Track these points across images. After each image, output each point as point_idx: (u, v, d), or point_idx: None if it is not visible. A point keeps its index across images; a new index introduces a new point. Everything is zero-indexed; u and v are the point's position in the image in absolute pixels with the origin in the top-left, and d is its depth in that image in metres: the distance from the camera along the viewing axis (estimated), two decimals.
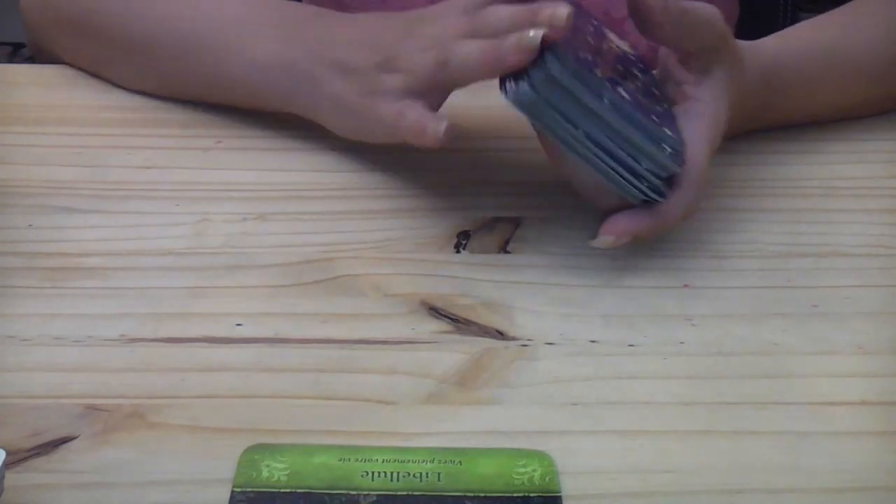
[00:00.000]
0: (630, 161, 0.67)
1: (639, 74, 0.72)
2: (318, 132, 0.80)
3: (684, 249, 0.72)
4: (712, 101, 0.72)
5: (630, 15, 0.71)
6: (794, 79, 0.79)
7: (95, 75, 0.87)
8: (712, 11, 0.72)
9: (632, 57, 0.73)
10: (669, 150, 0.68)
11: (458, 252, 0.71)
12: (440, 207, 0.75)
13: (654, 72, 0.74)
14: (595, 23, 0.73)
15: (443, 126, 0.68)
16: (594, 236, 0.69)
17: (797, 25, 0.84)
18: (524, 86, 0.65)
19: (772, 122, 0.82)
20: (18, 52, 2.41)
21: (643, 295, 0.68)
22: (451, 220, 0.74)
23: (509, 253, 0.71)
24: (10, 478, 0.54)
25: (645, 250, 0.71)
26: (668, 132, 0.68)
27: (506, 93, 0.66)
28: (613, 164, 0.67)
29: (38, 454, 0.56)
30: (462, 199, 0.76)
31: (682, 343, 0.65)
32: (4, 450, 0.51)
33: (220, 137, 0.81)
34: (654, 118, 0.68)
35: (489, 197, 0.76)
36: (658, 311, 0.67)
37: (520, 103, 0.66)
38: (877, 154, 0.82)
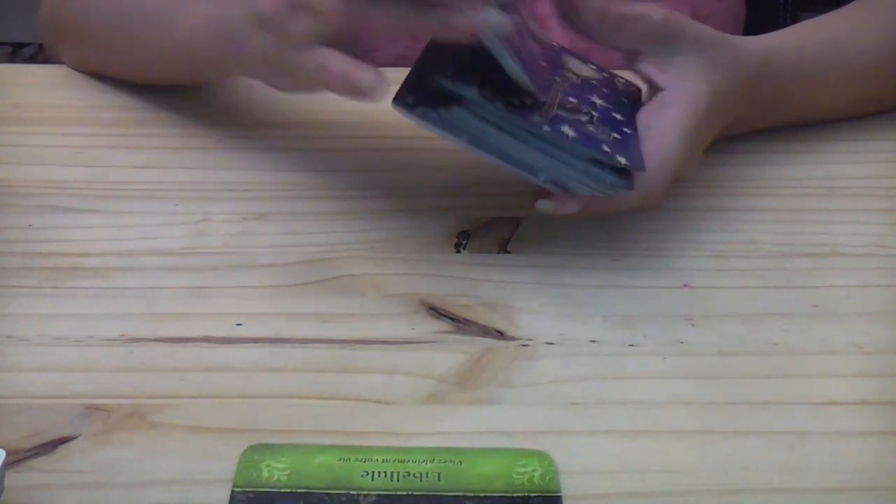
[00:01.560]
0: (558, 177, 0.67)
1: (598, 101, 0.71)
2: (319, 132, 0.80)
3: (684, 249, 0.72)
4: (683, 88, 0.71)
5: (559, 16, 0.71)
6: (795, 75, 0.79)
7: (97, 76, 0.87)
8: (647, 6, 0.72)
9: (594, 82, 0.73)
10: (610, 178, 0.66)
11: (458, 252, 0.71)
12: (440, 207, 0.75)
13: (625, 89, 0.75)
14: (554, 51, 0.73)
15: (369, 76, 0.66)
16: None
17: (797, 24, 0.84)
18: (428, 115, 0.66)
19: (774, 121, 0.82)
20: (18, 52, 2.41)
21: (643, 295, 0.68)
22: (451, 220, 0.74)
23: (509, 253, 0.71)
24: (10, 478, 0.54)
25: (645, 250, 0.71)
26: (621, 158, 0.67)
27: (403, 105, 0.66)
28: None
29: (38, 454, 0.56)
30: (462, 199, 0.76)
31: (682, 343, 0.65)
32: (4, 450, 0.51)
33: (220, 137, 0.81)
34: (605, 147, 0.67)
35: (489, 197, 0.76)
36: (658, 311, 0.67)
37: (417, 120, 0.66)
38: (877, 154, 0.82)
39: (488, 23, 0.64)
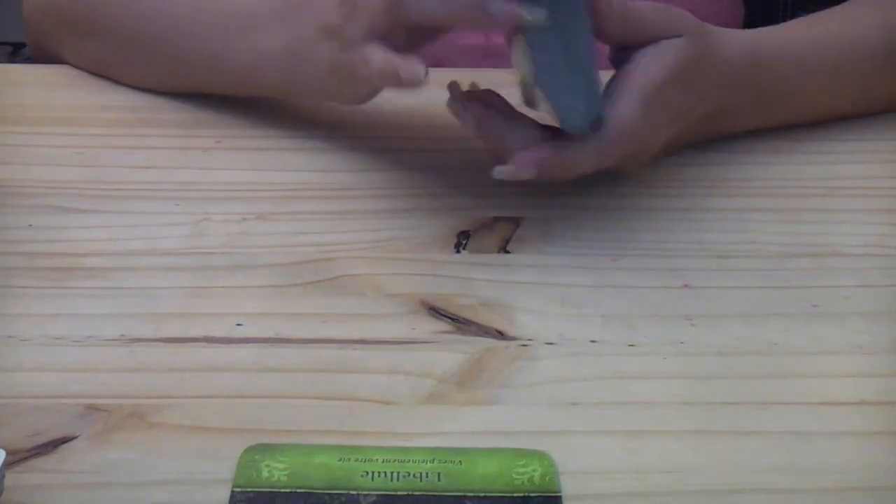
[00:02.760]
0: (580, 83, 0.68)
1: None
2: (318, 132, 0.80)
3: (684, 249, 0.72)
4: (645, 58, 0.71)
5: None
6: (783, 64, 0.79)
7: (98, 74, 0.87)
8: (652, 8, 0.72)
9: None
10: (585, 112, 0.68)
11: (458, 252, 0.71)
12: (440, 207, 0.75)
13: None
14: None
15: (414, 65, 0.67)
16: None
17: (791, 21, 0.84)
18: None
19: (768, 117, 0.81)
20: (18, 52, 2.41)
21: (643, 295, 0.68)
22: (451, 220, 0.74)
23: (509, 253, 0.71)
24: (10, 478, 0.54)
25: (645, 250, 0.71)
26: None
27: None
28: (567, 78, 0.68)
29: (38, 454, 0.56)
30: (462, 199, 0.76)
31: (682, 343, 0.65)
32: (4, 450, 0.52)
33: (220, 137, 0.81)
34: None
35: (489, 197, 0.76)
36: (658, 311, 0.67)
37: None
38: (877, 154, 0.82)
39: (526, 18, 0.65)
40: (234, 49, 0.79)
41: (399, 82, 0.68)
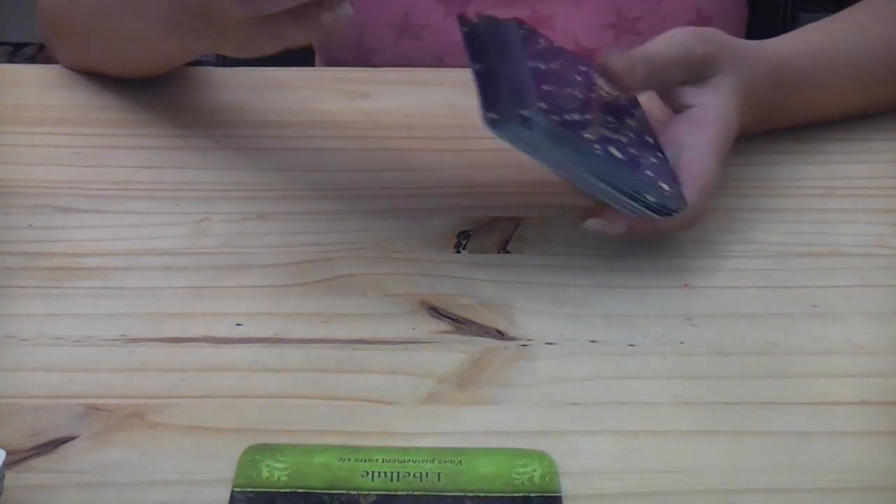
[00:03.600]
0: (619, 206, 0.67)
1: (631, 122, 0.72)
2: (318, 132, 0.80)
3: (684, 249, 0.72)
4: (717, 107, 0.72)
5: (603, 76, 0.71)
6: (806, 79, 0.79)
7: (88, 73, 0.87)
8: (682, 41, 0.72)
9: (624, 102, 0.73)
10: (654, 200, 0.67)
11: (458, 252, 0.71)
12: (440, 207, 0.75)
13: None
14: (584, 69, 0.73)
15: (345, 9, 0.64)
16: (591, 234, 0.69)
17: (806, 27, 0.84)
18: (511, 130, 0.65)
19: (780, 123, 0.82)
20: (18, 52, 2.41)
21: (643, 295, 0.68)
22: (451, 220, 0.74)
23: (509, 253, 0.71)
24: (10, 478, 0.54)
25: (645, 250, 0.71)
26: (664, 185, 0.67)
27: (491, 126, 0.65)
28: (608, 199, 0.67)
29: (38, 454, 0.56)
30: (462, 199, 0.76)
31: (682, 343, 0.65)
32: (4, 450, 0.52)
33: (220, 137, 0.81)
34: (647, 172, 0.67)
35: (489, 197, 0.76)
36: (658, 311, 0.67)
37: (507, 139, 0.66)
38: (877, 154, 0.82)
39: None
40: (138, 16, 0.77)
41: (323, 28, 0.64)
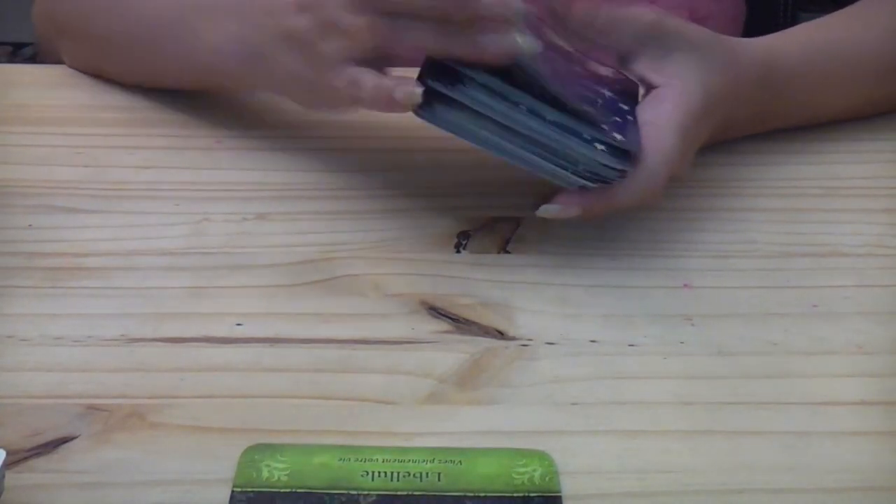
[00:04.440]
0: (552, 165, 0.67)
1: (607, 93, 0.72)
2: (319, 132, 0.80)
3: (684, 249, 0.72)
4: (677, 85, 0.71)
5: (549, 23, 0.71)
6: (796, 77, 0.79)
7: (93, 75, 0.87)
8: (637, 9, 0.72)
9: (608, 78, 0.74)
10: (603, 147, 0.67)
11: (458, 252, 0.71)
12: (440, 207, 0.75)
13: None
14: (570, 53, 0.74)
15: (411, 88, 0.67)
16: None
17: (799, 26, 0.84)
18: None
19: (775, 123, 0.82)
20: (18, 52, 2.41)
21: (643, 295, 0.68)
22: (451, 220, 0.74)
23: (509, 253, 0.71)
24: (10, 478, 0.54)
25: (645, 250, 0.71)
26: (617, 135, 0.67)
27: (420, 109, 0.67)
28: (538, 164, 0.67)
29: (38, 454, 0.56)
30: (462, 199, 0.76)
31: (682, 343, 0.65)
32: (4, 450, 0.52)
33: (220, 137, 0.81)
34: (603, 124, 0.67)
35: (489, 197, 0.76)
36: (658, 311, 0.67)
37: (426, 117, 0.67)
38: (877, 154, 0.82)
39: (521, 46, 0.65)
40: (195, 45, 0.78)
41: (391, 103, 0.67)
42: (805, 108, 0.81)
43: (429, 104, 0.67)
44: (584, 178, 0.67)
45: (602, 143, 0.67)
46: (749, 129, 0.80)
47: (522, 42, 0.65)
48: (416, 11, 0.67)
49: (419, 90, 0.66)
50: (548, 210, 0.69)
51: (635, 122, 0.70)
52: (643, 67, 0.72)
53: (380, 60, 0.70)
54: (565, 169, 0.67)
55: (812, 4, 0.95)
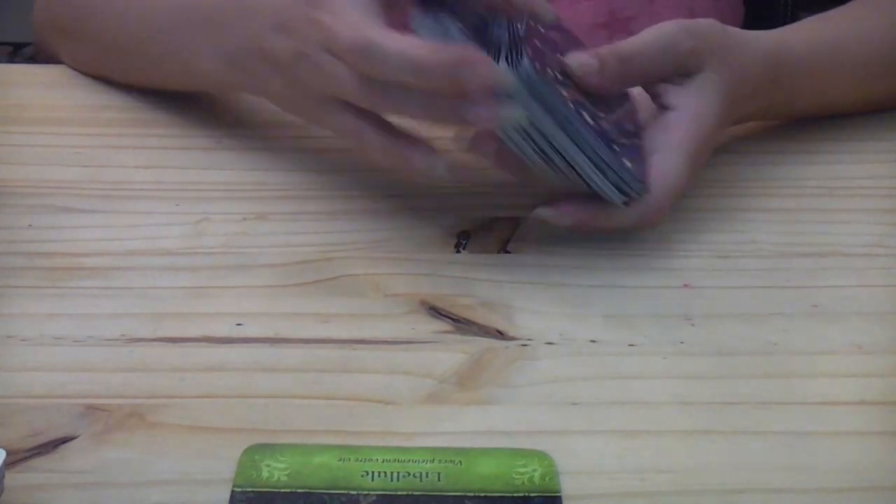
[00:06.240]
0: (590, 169, 0.67)
1: (615, 108, 0.71)
2: (319, 132, 0.80)
3: (684, 249, 0.72)
4: (693, 110, 0.71)
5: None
6: (803, 74, 0.79)
7: (93, 76, 0.87)
8: (667, 34, 0.71)
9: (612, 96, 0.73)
10: (619, 177, 0.67)
11: (458, 252, 0.71)
12: (440, 207, 0.75)
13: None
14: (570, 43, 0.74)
15: (433, 161, 0.67)
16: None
17: (806, 20, 0.84)
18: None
19: (776, 117, 0.82)
20: (19, 52, 2.41)
21: (643, 295, 0.68)
22: (451, 220, 0.74)
23: (509, 253, 0.71)
24: (10, 478, 0.54)
25: (645, 250, 0.71)
26: (627, 163, 0.67)
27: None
28: (580, 166, 0.67)
29: (38, 454, 0.56)
30: (462, 199, 0.76)
31: (682, 343, 0.65)
32: (4, 450, 0.52)
33: (219, 137, 0.81)
34: (615, 147, 0.67)
35: (489, 197, 0.76)
36: (658, 311, 0.67)
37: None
38: (877, 154, 0.82)
39: (507, 120, 0.65)
40: (189, 58, 0.78)
41: (412, 173, 0.68)
42: (810, 100, 0.81)
43: None
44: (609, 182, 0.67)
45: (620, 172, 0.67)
46: (756, 118, 0.80)
47: (508, 116, 0.65)
48: (402, 83, 0.65)
49: (441, 164, 0.66)
50: (541, 213, 0.69)
51: (641, 146, 0.70)
52: (666, 94, 0.72)
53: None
54: (600, 170, 0.67)
55: (812, 4, 0.95)
